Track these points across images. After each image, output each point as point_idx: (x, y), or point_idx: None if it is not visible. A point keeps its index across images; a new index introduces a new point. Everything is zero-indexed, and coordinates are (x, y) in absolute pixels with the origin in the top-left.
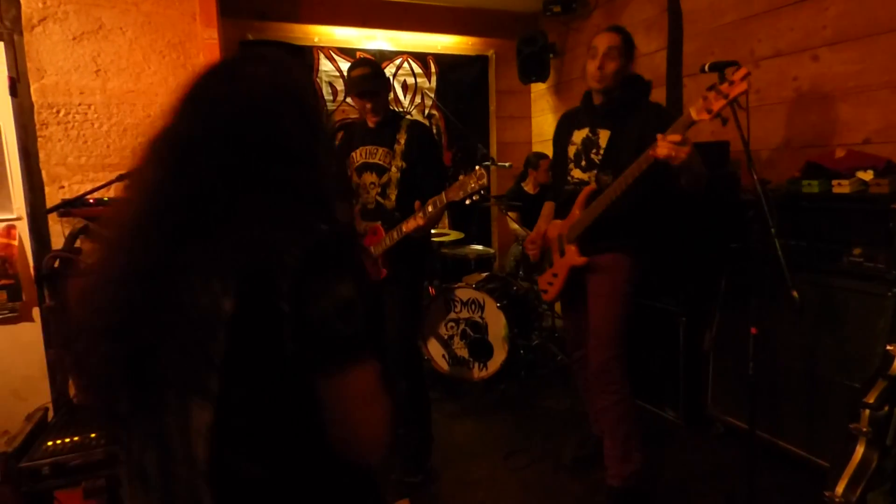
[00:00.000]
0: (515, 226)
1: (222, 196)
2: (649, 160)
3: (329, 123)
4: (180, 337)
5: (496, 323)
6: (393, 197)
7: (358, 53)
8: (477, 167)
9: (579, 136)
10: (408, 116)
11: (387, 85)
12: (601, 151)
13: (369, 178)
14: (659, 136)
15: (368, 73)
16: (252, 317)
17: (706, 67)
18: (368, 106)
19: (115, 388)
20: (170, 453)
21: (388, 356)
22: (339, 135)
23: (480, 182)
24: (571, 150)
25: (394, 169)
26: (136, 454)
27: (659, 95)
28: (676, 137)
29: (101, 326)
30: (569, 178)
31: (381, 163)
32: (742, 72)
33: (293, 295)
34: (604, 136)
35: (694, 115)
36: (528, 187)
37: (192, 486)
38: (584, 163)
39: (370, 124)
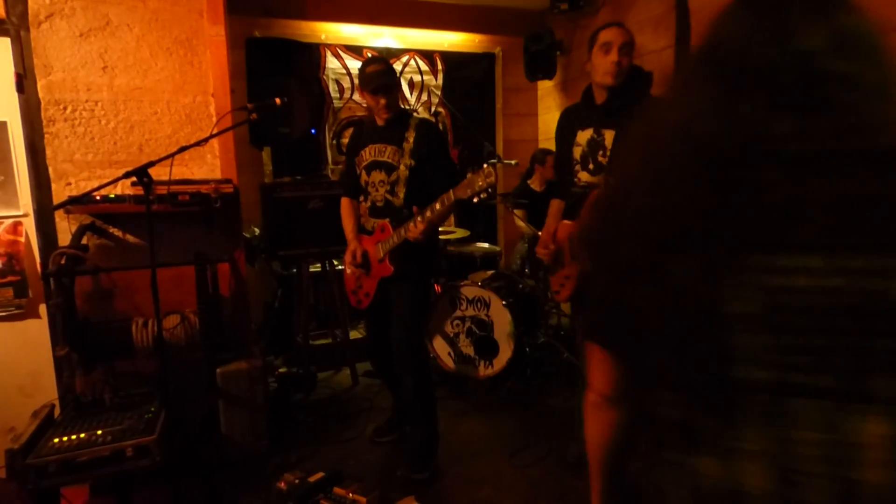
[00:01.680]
0: (522, 223)
1: None
2: None
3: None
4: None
5: (502, 321)
6: (401, 195)
7: (365, 51)
8: (485, 165)
9: (583, 136)
10: (415, 114)
11: (398, 83)
12: (608, 153)
13: (378, 176)
14: None
15: (383, 68)
16: None
17: None
18: (383, 102)
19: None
20: (797, 473)
21: (393, 353)
22: (349, 132)
23: (489, 180)
24: (577, 152)
25: (402, 167)
26: (709, 469)
27: None
28: None
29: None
30: (576, 180)
31: (389, 161)
32: None
33: None
34: (609, 137)
35: None
36: (535, 185)
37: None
38: (591, 165)
39: (379, 122)
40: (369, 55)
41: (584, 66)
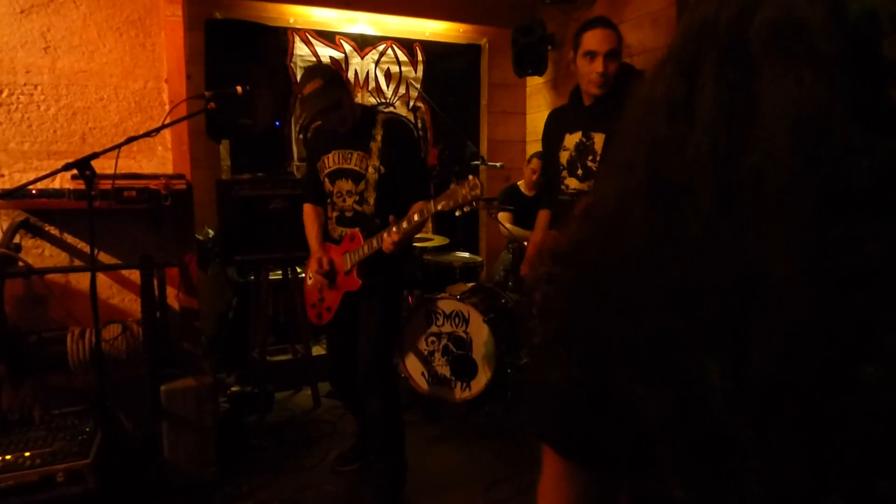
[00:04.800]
0: (507, 228)
1: None
2: None
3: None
4: None
5: (481, 339)
6: (372, 201)
7: (337, 38)
8: (470, 176)
9: (571, 140)
10: (384, 111)
11: (347, 88)
12: (598, 158)
13: (345, 185)
14: None
15: (321, 85)
16: None
17: None
18: (329, 123)
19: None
20: None
21: (359, 375)
22: (317, 125)
23: (473, 193)
24: (564, 157)
25: (371, 170)
26: None
27: None
28: None
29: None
30: (563, 186)
31: (356, 168)
32: None
33: None
34: (599, 141)
35: None
36: (524, 187)
37: None
38: (580, 171)
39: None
40: (342, 43)
41: (570, 66)
